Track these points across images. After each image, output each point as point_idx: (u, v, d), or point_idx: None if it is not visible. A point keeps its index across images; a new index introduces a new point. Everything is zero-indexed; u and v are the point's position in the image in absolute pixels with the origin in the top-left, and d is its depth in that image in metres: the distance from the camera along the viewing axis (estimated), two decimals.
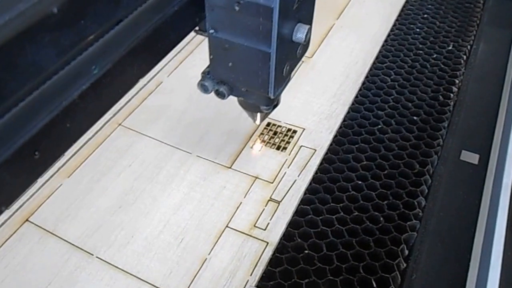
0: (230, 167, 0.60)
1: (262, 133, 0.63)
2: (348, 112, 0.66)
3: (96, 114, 0.39)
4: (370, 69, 0.72)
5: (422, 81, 0.72)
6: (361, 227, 0.55)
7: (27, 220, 0.55)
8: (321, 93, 0.69)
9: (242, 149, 0.62)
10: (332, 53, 0.76)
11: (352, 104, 0.68)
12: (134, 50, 0.40)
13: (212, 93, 0.50)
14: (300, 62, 0.72)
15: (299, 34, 0.45)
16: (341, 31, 0.80)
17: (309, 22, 0.47)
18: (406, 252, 0.54)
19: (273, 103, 0.54)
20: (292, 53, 0.48)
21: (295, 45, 0.47)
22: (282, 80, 0.48)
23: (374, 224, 0.56)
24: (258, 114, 0.56)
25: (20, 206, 0.56)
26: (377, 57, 0.74)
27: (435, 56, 0.76)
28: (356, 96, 0.69)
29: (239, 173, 0.60)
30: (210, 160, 0.61)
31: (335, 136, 0.64)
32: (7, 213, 0.55)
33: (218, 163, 0.61)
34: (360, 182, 0.59)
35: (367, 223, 0.56)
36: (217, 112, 0.66)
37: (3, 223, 0.54)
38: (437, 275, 0.54)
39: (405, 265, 0.53)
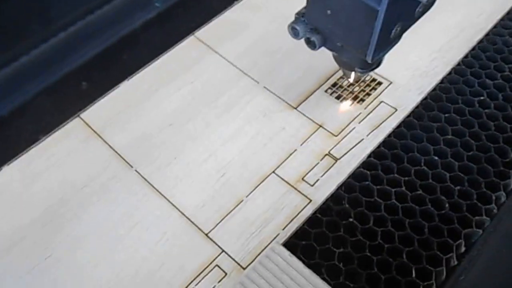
0: (295, 108, 0.58)
1: (342, 77, 0.59)
2: (449, 73, 0.60)
3: (159, 49, 0.37)
4: (495, 26, 0.64)
5: None
6: (420, 209, 0.52)
7: (78, 115, 0.57)
8: (424, 44, 0.62)
9: (315, 91, 0.59)
10: None
11: (458, 64, 0.61)
12: None
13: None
14: None
15: None
16: None
17: None
18: (463, 249, 0.50)
19: (371, 67, 0.49)
20: (408, 12, 0.41)
21: (415, 3, 0.40)
22: (387, 42, 0.42)
23: (436, 209, 0.52)
24: (353, 73, 0.52)
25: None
26: (508, 13, 0.65)
27: None
28: (466, 56, 0.61)
29: (303, 117, 0.57)
30: (276, 95, 0.59)
31: (425, 98, 0.58)
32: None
33: (284, 100, 0.58)
34: (436, 158, 0.54)
35: (428, 205, 0.52)
36: (299, 43, 0.61)
37: None
38: (490, 284, 0.50)
39: (456, 262, 0.49)
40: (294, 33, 0.47)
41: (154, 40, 0.33)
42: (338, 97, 0.58)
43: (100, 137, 0.56)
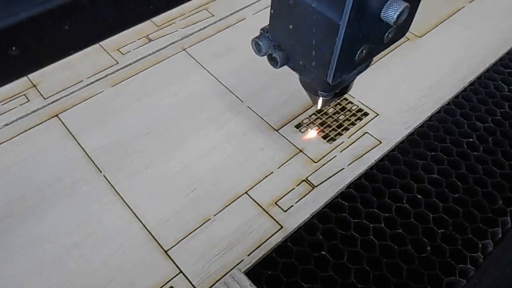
0: (277, 130, 0.44)
1: (328, 105, 0.46)
2: (438, 111, 0.46)
3: (111, 28, 0.24)
4: (487, 70, 0.50)
5: None
6: (399, 249, 0.37)
7: (57, 115, 0.44)
8: (415, 80, 0.48)
9: (298, 115, 0.45)
10: (447, 39, 0.53)
11: (448, 104, 0.47)
12: None
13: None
14: (404, 39, 0.52)
15: (390, 11, 0.26)
16: (468, 17, 0.55)
17: None
18: None
19: (335, 90, 0.35)
20: (376, 35, 0.28)
21: (384, 25, 0.28)
22: (351, 65, 0.29)
23: (417, 252, 0.37)
24: (320, 98, 0.38)
25: (56, 100, 0.45)
26: (501, 59, 0.51)
27: None
28: (457, 97, 0.47)
29: (283, 140, 0.43)
30: (259, 116, 0.45)
31: (411, 134, 0.44)
32: (41, 103, 0.45)
33: (266, 121, 0.44)
34: (419, 196, 0.40)
35: (408, 246, 0.37)
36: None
37: (34, 111, 0.44)
38: None
39: None
40: (258, 48, 0.34)
41: (104, 15, 0.20)
42: (322, 124, 0.44)
43: (75, 138, 0.42)
